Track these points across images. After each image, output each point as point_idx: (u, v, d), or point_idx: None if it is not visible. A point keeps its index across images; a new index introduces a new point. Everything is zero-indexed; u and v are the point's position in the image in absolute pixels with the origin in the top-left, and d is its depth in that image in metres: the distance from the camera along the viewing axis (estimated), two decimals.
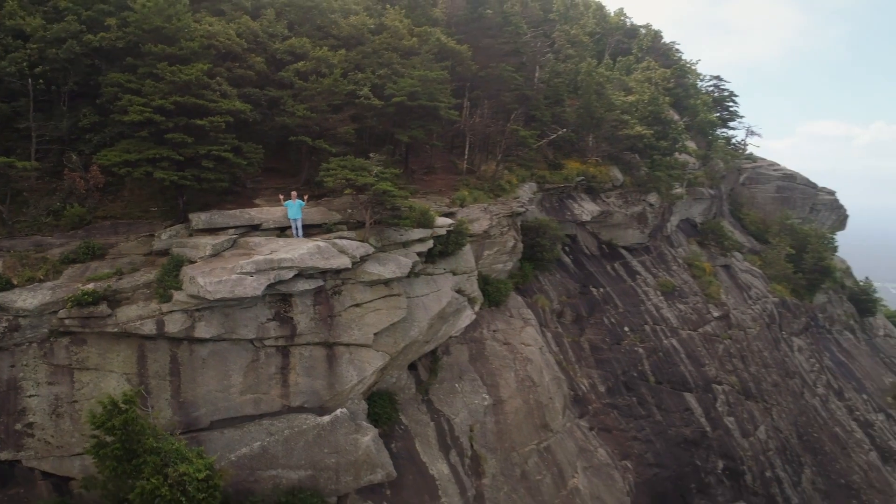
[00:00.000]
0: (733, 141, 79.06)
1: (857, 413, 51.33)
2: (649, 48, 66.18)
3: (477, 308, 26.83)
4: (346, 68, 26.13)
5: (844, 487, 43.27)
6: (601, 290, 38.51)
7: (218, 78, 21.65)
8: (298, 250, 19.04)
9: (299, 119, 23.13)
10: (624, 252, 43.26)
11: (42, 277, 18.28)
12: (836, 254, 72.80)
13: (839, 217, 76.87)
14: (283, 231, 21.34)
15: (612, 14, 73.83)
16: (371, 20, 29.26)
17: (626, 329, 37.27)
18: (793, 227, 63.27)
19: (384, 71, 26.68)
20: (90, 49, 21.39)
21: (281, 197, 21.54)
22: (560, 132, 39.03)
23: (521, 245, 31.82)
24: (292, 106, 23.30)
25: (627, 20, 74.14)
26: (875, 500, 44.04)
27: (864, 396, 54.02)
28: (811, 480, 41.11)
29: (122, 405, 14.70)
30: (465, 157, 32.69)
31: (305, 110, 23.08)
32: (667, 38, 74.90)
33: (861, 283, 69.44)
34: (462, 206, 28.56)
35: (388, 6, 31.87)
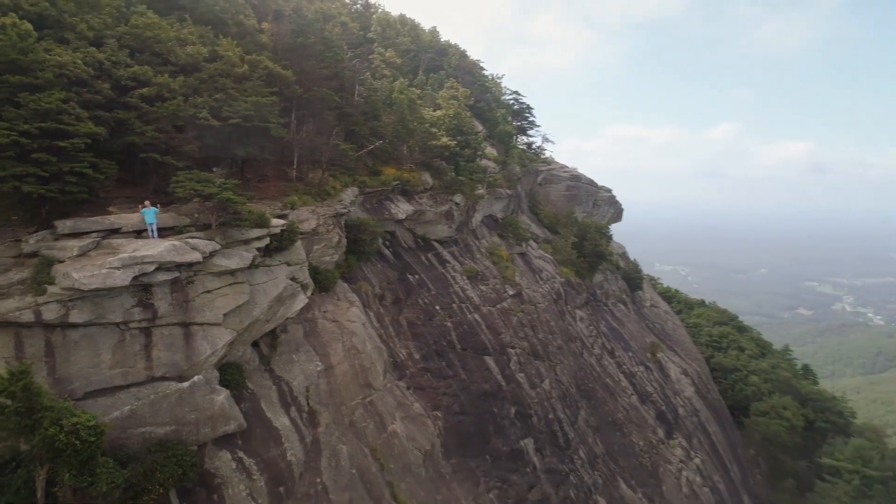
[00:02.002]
0: (534, 146, 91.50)
1: (624, 367, 64.28)
2: (457, 66, 75.18)
3: (309, 293, 32.29)
4: (185, 93, 30.22)
5: (611, 423, 54.95)
6: (416, 276, 45.78)
7: (71, 103, 25.02)
8: (157, 248, 23.39)
9: (148, 138, 27.12)
10: (436, 244, 51.01)
11: None
12: (615, 240, 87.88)
13: (616, 210, 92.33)
14: (139, 234, 25.37)
15: (427, 32, 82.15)
16: (206, 49, 33.38)
17: (438, 308, 44.86)
18: (577, 220, 76.00)
19: (220, 95, 31.15)
20: None
21: (140, 206, 25.51)
22: (377, 143, 45.61)
23: (345, 240, 37.70)
24: (140, 127, 27.18)
25: (440, 39, 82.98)
26: (633, 431, 56.40)
27: (630, 354, 67.46)
28: (585, 419, 51.95)
29: (20, 374, 18.51)
30: (295, 167, 37.70)
31: (153, 131, 27.11)
32: (475, 56, 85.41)
33: (632, 263, 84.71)
34: (293, 208, 33.76)
35: (220, 35, 35.98)
